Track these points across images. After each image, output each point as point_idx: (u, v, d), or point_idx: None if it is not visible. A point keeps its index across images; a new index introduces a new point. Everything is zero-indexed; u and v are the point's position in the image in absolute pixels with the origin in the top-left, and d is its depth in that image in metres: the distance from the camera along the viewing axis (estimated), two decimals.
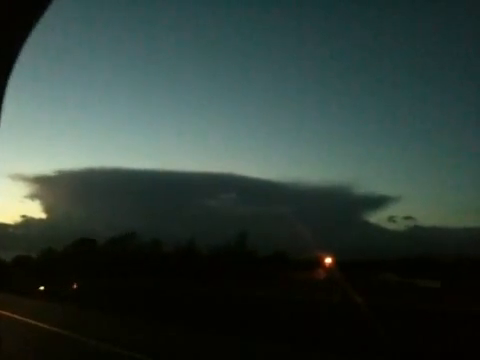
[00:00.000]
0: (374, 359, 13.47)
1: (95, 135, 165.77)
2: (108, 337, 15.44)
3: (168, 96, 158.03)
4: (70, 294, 39.84)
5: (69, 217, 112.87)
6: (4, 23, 2.46)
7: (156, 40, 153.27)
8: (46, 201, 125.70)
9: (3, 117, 2.61)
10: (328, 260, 46.43)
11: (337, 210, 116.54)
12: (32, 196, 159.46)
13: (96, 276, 50.43)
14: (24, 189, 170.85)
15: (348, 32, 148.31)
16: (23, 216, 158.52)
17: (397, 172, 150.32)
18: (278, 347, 14.84)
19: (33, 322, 19.50)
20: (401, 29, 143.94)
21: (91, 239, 66.10)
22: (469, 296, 28.25)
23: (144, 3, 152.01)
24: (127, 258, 55.65)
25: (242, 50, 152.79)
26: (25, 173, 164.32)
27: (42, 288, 48.36)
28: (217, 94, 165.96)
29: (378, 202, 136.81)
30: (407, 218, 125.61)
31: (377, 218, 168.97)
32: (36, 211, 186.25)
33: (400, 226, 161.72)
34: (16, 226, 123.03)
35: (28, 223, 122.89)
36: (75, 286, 44.13)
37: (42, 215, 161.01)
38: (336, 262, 45.87)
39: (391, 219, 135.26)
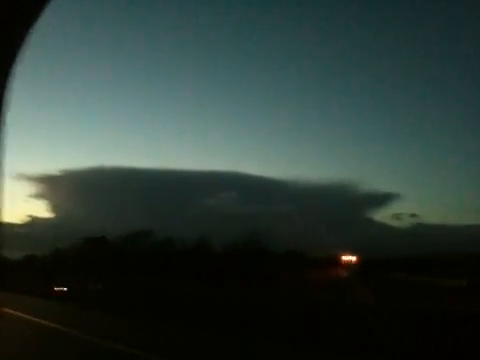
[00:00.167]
0: None
1: (99, 135, 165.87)
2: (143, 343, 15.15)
3: (170, 96, 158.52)
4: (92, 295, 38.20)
5: (73, 216, 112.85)
6: (5, 24, 2.47)
7: (157, 40, 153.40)
8: (51, 200, 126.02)
9: (7, 117, 2.63)
10: (346, 258, 46.62)
11: (341, 208, 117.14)
12: (37, 195, 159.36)
13: (111, 276, 50.24)
14: (29, 188, 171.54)
15: (348, 32, 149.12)
16: (28, 215, 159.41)
17: (401, 170, 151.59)
18: (287, 348, 14.70)
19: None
20: (401, 29, 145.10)
21: (101, 237, 65.88)
22: None
23: (145, 3, 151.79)
24: (142, 257, 55.63)
25: (242, 50, 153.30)
26: (30, 173, 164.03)
27: (64, 289, 46.15)
28: (218, 93, 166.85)
29: (382, 200, 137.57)
30: (411, 216, 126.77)
31: (381, 216, 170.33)
32: (41, 210, 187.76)
33: (404, 224, 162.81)
34: (21, 225, 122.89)
35: (33, 222, 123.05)
36: (99, 286, 43.47)
37: (47, 214, 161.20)
38: (360, 260, 46.12)
39: (395, 217, 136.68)
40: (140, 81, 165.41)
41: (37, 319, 20.69)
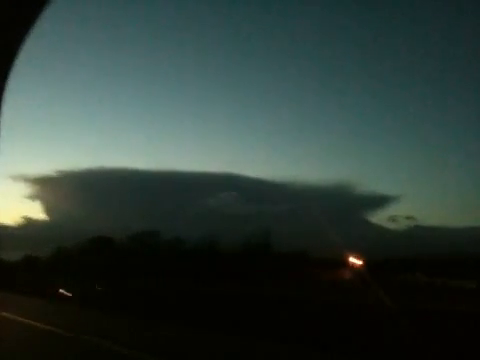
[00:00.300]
0: None
1: (96, 135, 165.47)
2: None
3: (169, 97, 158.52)
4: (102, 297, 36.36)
5: (70, 217, 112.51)
6: (3, 24, 2.48)
7: (156, 41, 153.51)
8: (47, 202, 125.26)
9: (3, 118, 2.65)
10: (354, 260, 46.73)
11: (338, 209, 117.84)
12: (33, 197, 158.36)
13: (119, 277, 50.12)
14: (25, 190, 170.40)
15: (347, 32, 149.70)
16: (24, 217, 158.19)
17: (398, 172, 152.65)
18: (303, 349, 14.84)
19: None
20: (402, 30, 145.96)
21: (107, 237, 65.76)
22: None
23: (145, 3, 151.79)
24: (150, 257, 55.76)
25: (242, 50, 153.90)
26: (26, 174, 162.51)
27: (68, 293, 42.32)
28: (218, 95, 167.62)
29: (379, 202, 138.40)
30: (408, 218, 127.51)
31: (378, 218, 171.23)
32: (37, 212, 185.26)
33: (401, 226, 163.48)
34: (17, 227, 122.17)
35: (29, 224, 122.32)
36: (107, 288, 42.55)
37: (43, 216, 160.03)
38: (364, 262, 46.24)
39: (392, 219, 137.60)
40: (139, 82, 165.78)
41: (48, 326, 19.13)
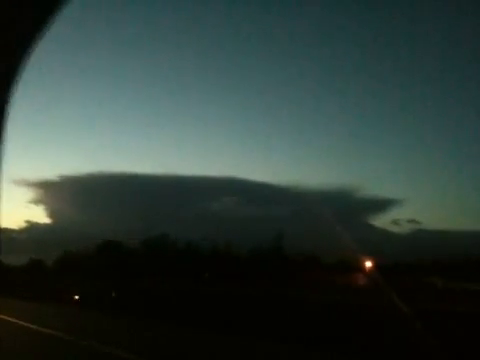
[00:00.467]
0: None
1: (98, 140, 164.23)
2: None
3: (171, 101, 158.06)
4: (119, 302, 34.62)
5: (73, 221, 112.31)
6: (7, 30, 2.53)
7: (156, 45, 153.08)
8: (50, 206, 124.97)
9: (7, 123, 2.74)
10: (368, 264, 47.31)
11: (340, 213, 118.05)
12: (36, 201, 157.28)
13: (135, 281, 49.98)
14: (28, 194, 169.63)
15: (347, 34, 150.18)
16: (27, 221, 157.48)
17: (400, 175, 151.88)
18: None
19: None
20: (403, 31, 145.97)
21: (117, 241, 65.80)
22: None
23: (146, 7, 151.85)
24: (161, 260, 55.97)
25: (243, 53, 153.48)
26: (29, 178, 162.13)
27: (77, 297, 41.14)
28: (219, 98, 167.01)
29: (382, 205, 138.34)
30: (411, 221, 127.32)
31: (381, 221, 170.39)
32: (40, 216, 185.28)
33: (404, 229, 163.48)
34: (20, 231, 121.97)
35: (32, 228, 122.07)
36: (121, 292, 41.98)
37: (46, 220, 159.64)
38: (376, 266, 46.73)
39: (395, 222, 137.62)
40: (141, 86, 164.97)
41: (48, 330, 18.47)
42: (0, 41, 2.54)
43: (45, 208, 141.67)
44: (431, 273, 68.96)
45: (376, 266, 52.91)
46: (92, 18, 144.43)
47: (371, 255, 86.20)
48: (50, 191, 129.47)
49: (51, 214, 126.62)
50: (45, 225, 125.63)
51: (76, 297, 40.90)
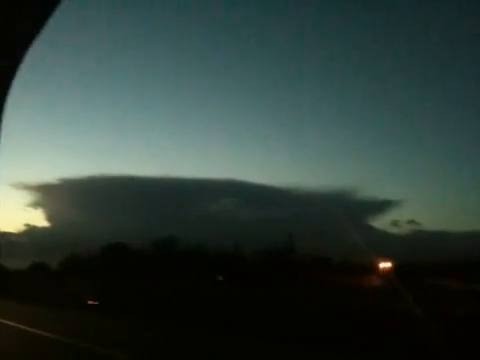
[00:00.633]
0: None
1: (98, 143, 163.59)
2: None
3: (170, 103, 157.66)
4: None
5: (73, 224, 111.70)
6: (5, 31, 2.51)
7: (157, 47, 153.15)
8: (49, 209, 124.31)
9: (4, 125, 2.67)
10: (384, 265, 47.45)
11: (341, 214, 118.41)
12: (35, 204, 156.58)
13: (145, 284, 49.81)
14: (27, 197, 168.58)
15: (349, 36, 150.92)
16: (26, 224, 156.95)
17: (400, 176, 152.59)
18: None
19: None
20: (402, 32, 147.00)
21: (122, 243, 65.38)
22: None
23: (146, 9, 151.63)
24: (170, 262, 55.82)
25: (242, 56, 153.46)
26: (28, 181, 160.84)
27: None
28: (218, 100, 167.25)
29: (381, 206, 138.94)
30: (411, 222, 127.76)
31: (380, 223, 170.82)
32: (39, 219, 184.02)
33: (404, 230, 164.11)
34: (19, 234, 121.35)
35: (32, 231, 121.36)
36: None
37: (45, 223, 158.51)
38: (393, 267, 46.87)
39: (394, 223, 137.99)
40: (141, 89, 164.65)
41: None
42: None
43: (44, 211, 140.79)
44: (434, 274, 69.50)
45: (378, 267, 53.15)
46: (93, 21, 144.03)
47: (373, 256, 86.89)
48: (49, 194, 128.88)
49: (50, 217, 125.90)
50: (44, 228, 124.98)
51: (92, 302, 39.40)
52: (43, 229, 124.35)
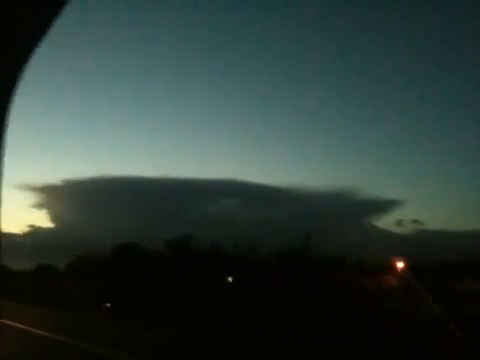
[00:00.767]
0: None
1: (100, 144, 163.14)
2: None
3: (172, 104, 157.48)
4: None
5: (76, 225, 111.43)
6: (9, 34, 2.53)
7: (157, 48, 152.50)
8: (53, 210, 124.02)
9: (9, 128, 2.69)
10: (400, 265, 47.28)
11: (345, 214, 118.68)
12: (39, 205, 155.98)
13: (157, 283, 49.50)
14: (30, 199, 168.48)
15: (349, 36, 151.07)
16: (30, 225, 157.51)
17: (403, 176, 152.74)
18: None
19: None
20: (402, 33, 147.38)
21: (133, 243, 64.64)
22: None
23: (146, 10, 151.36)
24: (186, 262, 55.38)
25: (243, 56, 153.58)
26: (31, 183, 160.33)
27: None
28: (219, 101, 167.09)
29: (385, 206, 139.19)
30: (414, 222, 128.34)
31: (384, 222, 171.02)
32: (43, 220, 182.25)
33: (407, 230, 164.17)
34: (23, 235, 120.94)
35: (35, 232, 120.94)
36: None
37: (49, 224, 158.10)
38: (408, 267, 46.80)
39: (398, 223, 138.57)
40: (142, 90, 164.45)
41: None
42: (0, 46, 2.53)
43: (48, 212, 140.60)
44: (439, 275, 69.32)
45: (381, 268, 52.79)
46: (95, 23, 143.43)
47: (377, 255, 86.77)
48: (53, 195, 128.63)
49: (54, 218, 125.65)
50: (48, 229, 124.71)
51: (107, 304, 38.37)
52: (47, 230, 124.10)
